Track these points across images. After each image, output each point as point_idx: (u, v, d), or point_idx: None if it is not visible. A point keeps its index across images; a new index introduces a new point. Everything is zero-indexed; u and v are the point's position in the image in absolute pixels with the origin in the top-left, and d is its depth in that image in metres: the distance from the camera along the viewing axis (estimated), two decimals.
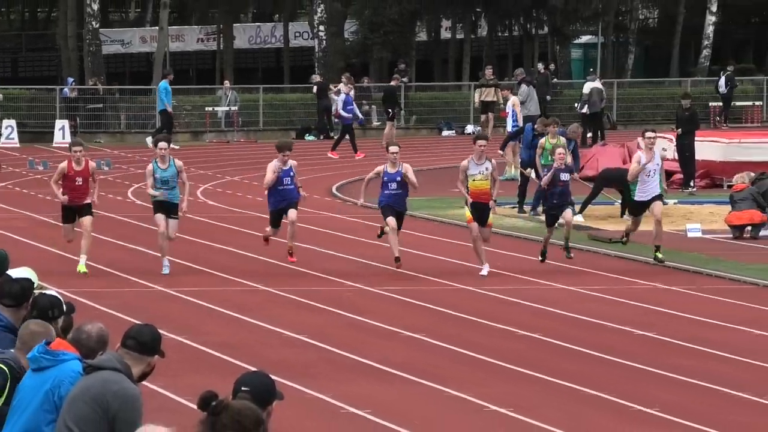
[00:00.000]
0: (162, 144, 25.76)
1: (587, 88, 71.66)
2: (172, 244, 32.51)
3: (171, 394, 19.56)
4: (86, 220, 26.24)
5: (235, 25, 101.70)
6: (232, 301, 30.30)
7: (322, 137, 76.18)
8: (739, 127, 76.16)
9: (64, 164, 25.70)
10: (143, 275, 32.60)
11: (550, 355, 25.14)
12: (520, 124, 54.46)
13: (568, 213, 29.17)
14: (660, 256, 29.62)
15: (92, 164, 26.40)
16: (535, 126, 48.04)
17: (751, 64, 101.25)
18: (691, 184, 52.49)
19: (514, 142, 52.01)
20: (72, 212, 25.89)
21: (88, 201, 26.06)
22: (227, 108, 76.65)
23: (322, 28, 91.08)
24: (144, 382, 11.11)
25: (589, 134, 68.72)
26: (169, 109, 72.57)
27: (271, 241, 33.93)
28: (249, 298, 30.92)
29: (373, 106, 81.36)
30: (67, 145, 28.02)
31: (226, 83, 78.52)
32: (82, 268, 27.63)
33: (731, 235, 40.83)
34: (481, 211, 26.97)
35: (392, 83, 76.92)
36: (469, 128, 79.78)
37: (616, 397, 21.53)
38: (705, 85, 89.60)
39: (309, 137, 77.02)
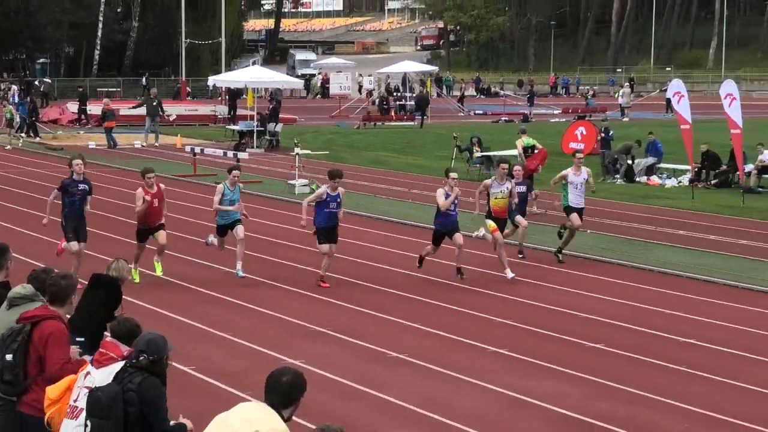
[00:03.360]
0: (235, 172, 17.17)
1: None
2: None
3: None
4: (161, 234, 16.55)
5: None
6: None
7: None
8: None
9: (140, 190, 16.34)
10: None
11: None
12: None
13: (521, 219, 18.86)
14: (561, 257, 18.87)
15: (162, 186, 16.98)
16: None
17: None
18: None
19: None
20: (147, 233, 16.64)
21: (161, 222, 16.79)
22: None
23: None
24: None
25: None
26: None
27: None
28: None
29: None
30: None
31: None
32: (159, 271, 16.90)
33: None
34: (499, 222, 18.03)
35: None
36: None
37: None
38: None
39: None
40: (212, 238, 17.13)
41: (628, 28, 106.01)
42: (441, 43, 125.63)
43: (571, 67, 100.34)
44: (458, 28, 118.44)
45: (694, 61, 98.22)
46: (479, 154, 31.90)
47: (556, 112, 60.63)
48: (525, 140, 26.86)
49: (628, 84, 71.64)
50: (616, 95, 65.89)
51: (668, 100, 41.13)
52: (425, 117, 53.06)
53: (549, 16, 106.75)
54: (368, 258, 18.84)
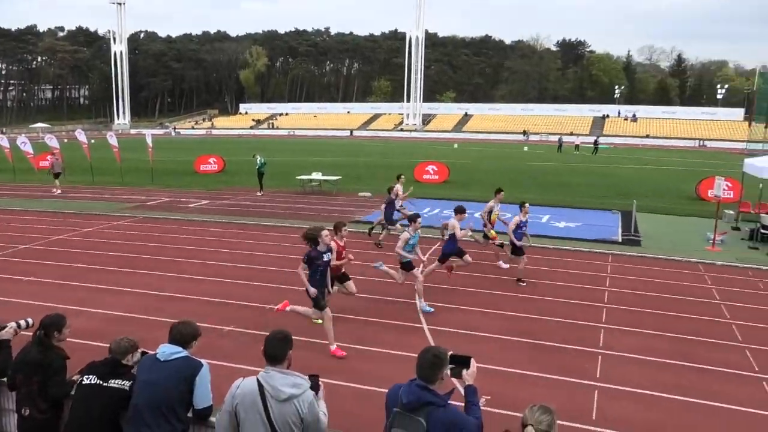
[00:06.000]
0: (419, 219, 12.90)
1: None
2: None
3: None
4: (351, 284, 12.24)
5: None
6: None
7: None
8: None
9: (332, 244, 11.25)
10: None
11: None
12: None
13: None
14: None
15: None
16: None
17: None
18: None
19: None
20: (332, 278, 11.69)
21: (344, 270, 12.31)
22: None
23: None
24: None
25: None
26: None
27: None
28: None
29: None
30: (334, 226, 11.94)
31: None
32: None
33: None
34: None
35: None
36: None
37: None
38: None
39: None
40: (382, 264, 13.17)
41: None
42: None
43: None
44: None
45: None
46: None
47: None
48: None
49: None
50: None
51: None
52: None
53: None
54: None
